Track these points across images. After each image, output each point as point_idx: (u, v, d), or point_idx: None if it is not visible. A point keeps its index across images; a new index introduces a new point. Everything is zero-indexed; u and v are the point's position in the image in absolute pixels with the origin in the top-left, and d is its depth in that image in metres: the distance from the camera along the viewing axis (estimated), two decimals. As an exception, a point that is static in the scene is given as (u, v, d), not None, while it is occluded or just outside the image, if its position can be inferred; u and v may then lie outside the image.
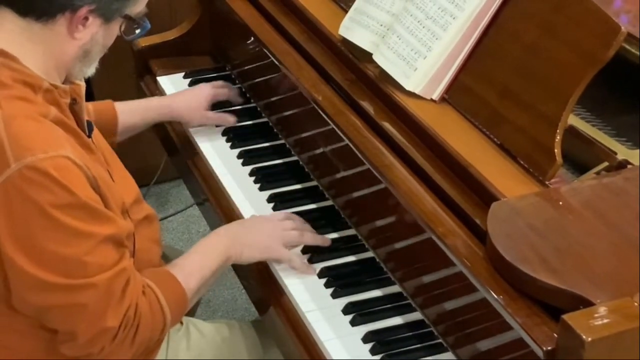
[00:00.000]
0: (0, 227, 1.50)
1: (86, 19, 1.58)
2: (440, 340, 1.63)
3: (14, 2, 1.57)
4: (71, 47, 1.61)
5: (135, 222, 1.74)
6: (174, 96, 2.32)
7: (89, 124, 1.72)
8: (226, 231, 1.86)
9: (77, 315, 1.55)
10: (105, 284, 1.54)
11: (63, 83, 1.65)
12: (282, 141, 2.17)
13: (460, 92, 1.81)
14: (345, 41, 1.99)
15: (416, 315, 1.70)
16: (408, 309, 1.72)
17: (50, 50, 1.59)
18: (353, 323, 1.71)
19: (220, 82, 2.35)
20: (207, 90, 2.28)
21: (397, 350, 1.65)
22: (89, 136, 1.70)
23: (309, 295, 1.78)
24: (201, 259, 1.77)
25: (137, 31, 1.70)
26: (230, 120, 2.26)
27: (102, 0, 1.57)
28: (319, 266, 1.84)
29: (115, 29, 1.66)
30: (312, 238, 1.88)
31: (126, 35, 1.69)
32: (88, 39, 1.61)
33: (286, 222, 1.89)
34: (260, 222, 1.89)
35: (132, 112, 2.17)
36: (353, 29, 1.97)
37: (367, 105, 1.88)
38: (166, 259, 1.91)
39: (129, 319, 1.58)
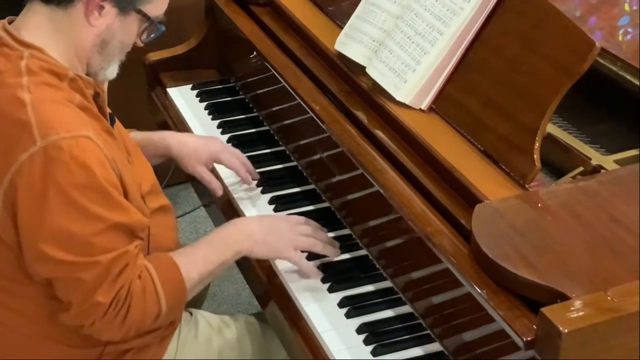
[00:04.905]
0: (20, 198, 1.52)
1: (102, 7, 1.60)
2: (428, 332, 1.63)
3: None
4: (89, 34, 1.63)
5: (150, 210, 1.75)
6: (180, 137, 2.08)
7: (111, 116, 1.73)
8: (242, 225, 1.81)
9: (74, 288, 1.56)
10: (107, 263, 1.55)
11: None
12: (282, 148, 2.17)
13: (446, 103, 1.81)
14: (340, 55, 1.99)
15: (406, 309, 1.70)
16: (399, 302, 1.72)
17: (71, 37, 1.62)
18: (348, 315, 1.71)
19: (236, 152, 2.07)
20: (216, 149, 2.04)
21: (388, 341, 1.65)
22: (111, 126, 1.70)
23: (307, 290, 1.77)
24: (209, 249, 1.73)
25: (153, 34, 1.70)
26: (217, 191, 2.00)
27: None
28: (316, 263, 1.83)
29: (132, 26, 1.66)
30: (322, 248, 1.81)
31: (141, 37, 1.70)
32: (104, 28, 1.63)
33: (302, 226, 1.82)
34: (278, 222, 1.82)
35: (136, 142, 1.95)
36: (348, 44, 1.97)
37: (360, 115, 1.88)
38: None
39: (120, 298, 1.57)
